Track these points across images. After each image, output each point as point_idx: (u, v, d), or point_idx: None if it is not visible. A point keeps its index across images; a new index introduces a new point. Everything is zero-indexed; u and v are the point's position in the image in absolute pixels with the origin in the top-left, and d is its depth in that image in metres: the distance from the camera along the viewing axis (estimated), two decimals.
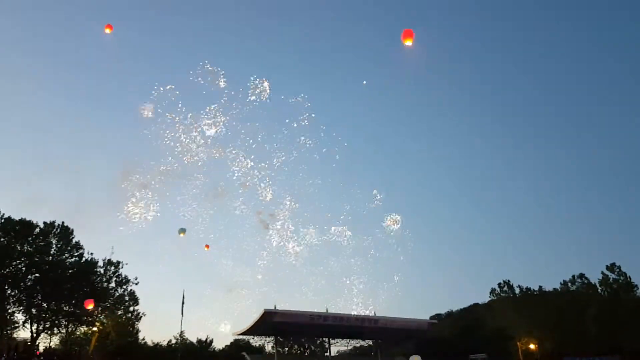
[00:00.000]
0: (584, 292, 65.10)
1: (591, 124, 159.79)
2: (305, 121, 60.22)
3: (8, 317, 48.24)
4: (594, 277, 65.59)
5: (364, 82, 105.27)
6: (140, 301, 56.69)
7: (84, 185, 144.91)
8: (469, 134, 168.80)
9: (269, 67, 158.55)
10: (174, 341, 63.49)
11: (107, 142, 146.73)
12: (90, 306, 41.22)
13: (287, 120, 63.13)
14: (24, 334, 50.68)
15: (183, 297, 47.36)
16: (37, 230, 49.75)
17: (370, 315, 65.41)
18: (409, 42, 21.86)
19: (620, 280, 63.09)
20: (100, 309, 53.00)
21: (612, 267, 64.00)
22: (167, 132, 52.37)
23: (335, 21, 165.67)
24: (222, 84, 53.86)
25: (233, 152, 57.53)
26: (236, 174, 58.57)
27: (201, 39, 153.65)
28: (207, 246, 59.16)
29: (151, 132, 52.12)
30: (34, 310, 48.85)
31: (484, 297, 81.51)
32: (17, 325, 49.62)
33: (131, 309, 55.90)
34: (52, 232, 50.97)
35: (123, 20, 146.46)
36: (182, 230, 49.81)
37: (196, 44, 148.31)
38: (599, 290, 64.58)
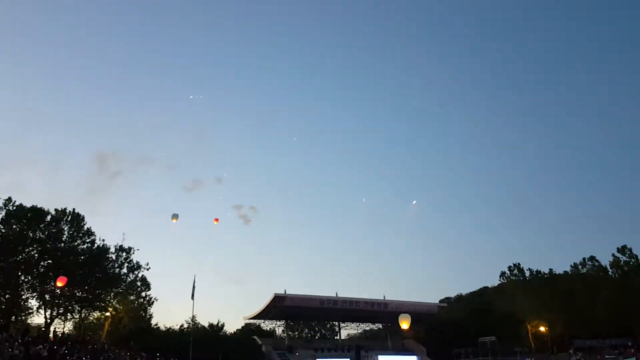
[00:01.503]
0: (595, 275, 64.93)
1: (602, 108, 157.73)
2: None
3: (22, 303, 48.89)
4: (605, 260, 65.48)
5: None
6: (152, 286, 57.28)
7: (63, 174, 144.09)
8: (477, 123, 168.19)
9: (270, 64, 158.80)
10: (185, 325, 64.13)
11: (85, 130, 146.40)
12: (60, 283, 40.23)
13: None
14: (38, 319, 51.43)
15: (194, 282, 47.58)
16: (49, 217, 50.11)
17: (380, 299, 65.76)
18: None
19: (631, 263, 62.87)
20: (112, 294, 53.59)
21: (623, 250, 63.75)
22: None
23: (342, 18, 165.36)
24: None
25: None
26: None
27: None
28: (217, 220, 59.13)
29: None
30: (47, 296, 49.38)
31: (493, 281, 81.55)
32: (31, 311, 50.34)
33: (143, 294, 56.44)
34: (64, 219, 51.22)
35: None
36: (175, 216, 50.07)
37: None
38: (610, 273, 64.44)
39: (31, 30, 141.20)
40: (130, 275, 55.37)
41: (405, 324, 29.73)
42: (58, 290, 49.44)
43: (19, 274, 47.51)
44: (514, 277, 70.66)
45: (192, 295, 47.28)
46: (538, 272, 69.69)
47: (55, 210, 51.13)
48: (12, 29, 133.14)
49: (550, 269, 69.89)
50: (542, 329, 64.15)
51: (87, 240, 52.22)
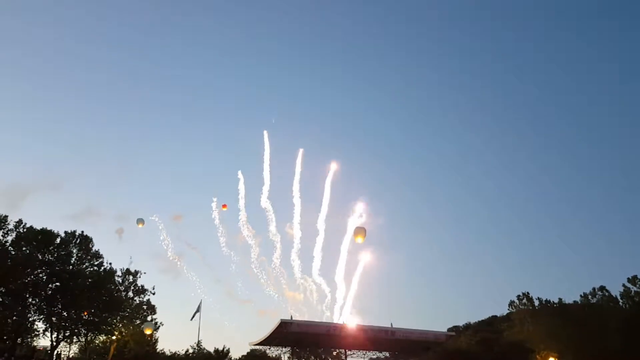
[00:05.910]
0: (605, 305, 63.93)
1: (608, 134, 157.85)
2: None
3: (29, 325, 49.07)
4: (615, 290, 64.51)
5: None
6: (157, 310, 57.34)
7: None
8: (487, 150, 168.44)
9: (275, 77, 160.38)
10: (191, 350, 63.78)
11: None
12: None
13: None
14: (44, 342, 51.52)
15: (199, 307, 47.60)
16: (58, 240, 50.64)
17: (387, 326, 65.13)
18: None
19: None
20: (119, 318, 53.65)
21: (633, 280, 62.84)
22: None
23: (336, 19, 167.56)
24: None
25: None
26: None
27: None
28: (225, 206, 58.85)
29: None
30: (54, 319, 49.59)
31: (502, 310, 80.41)
32: (37, 333, 50.47)
33: (149, 318, 56.44)
34: (73, 241, 51.83)
35: None
36: (140, 221, 50.28)
37: None
38: (621, 303, 63.44)
39: None
40: (136, 299, 55.54)
41: (360, 238, 27.49)
42: (65, 313, 49.71)
43: (27, 295, 47.83)
44: (523, 307, 69.61)
45: (193, 317, 47.12)
46: (547, 301, 68.61)
47: (65, 232, 51.80)
48: None
49: (560, 299, 68.70)
50: (551, 359, 63.01)
51: (95, 263, 52.63)
